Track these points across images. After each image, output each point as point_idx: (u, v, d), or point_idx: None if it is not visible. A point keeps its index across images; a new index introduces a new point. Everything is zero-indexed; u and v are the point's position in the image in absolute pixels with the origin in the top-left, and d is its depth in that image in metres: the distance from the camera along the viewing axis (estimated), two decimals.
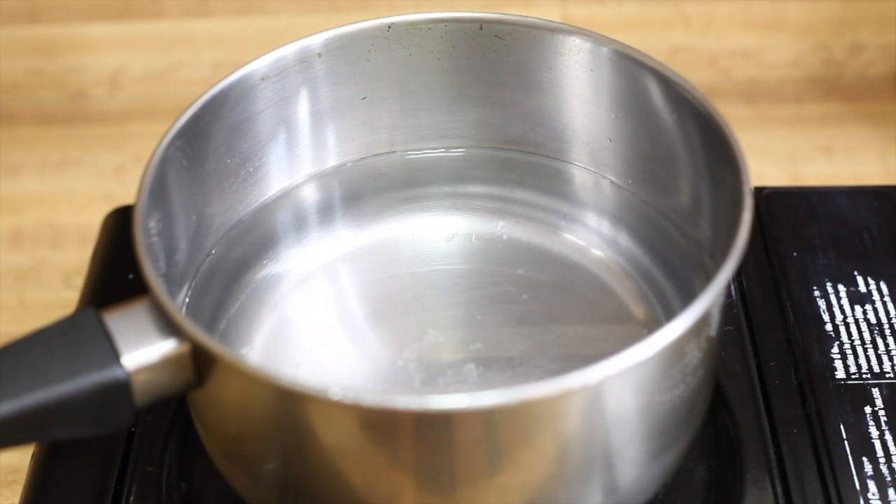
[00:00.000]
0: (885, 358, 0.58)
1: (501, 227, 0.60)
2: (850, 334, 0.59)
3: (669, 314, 0.55)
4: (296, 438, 0.46)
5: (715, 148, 0.52)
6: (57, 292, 0.72)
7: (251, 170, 0.57)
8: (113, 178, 0.78)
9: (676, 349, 0.46)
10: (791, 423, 0.55)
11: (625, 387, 0.45)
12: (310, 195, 0.60)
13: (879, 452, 0.54)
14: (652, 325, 0.56)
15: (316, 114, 0.58)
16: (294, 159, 0.59)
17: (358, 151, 0.60)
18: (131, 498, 0.54)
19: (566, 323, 0.56)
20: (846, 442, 0.54)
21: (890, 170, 0.77)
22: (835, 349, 0.58)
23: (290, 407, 0.45)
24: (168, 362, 0.46)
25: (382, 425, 0.45)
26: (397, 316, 0.57)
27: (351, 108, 0.59)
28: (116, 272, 0.63)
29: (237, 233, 0.57)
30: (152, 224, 0.49)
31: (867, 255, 0.62)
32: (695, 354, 0.47)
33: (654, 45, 0.82)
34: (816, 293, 0.61)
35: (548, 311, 0.57)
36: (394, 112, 0.59)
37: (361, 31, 0.57)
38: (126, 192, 0.75)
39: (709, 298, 0.46)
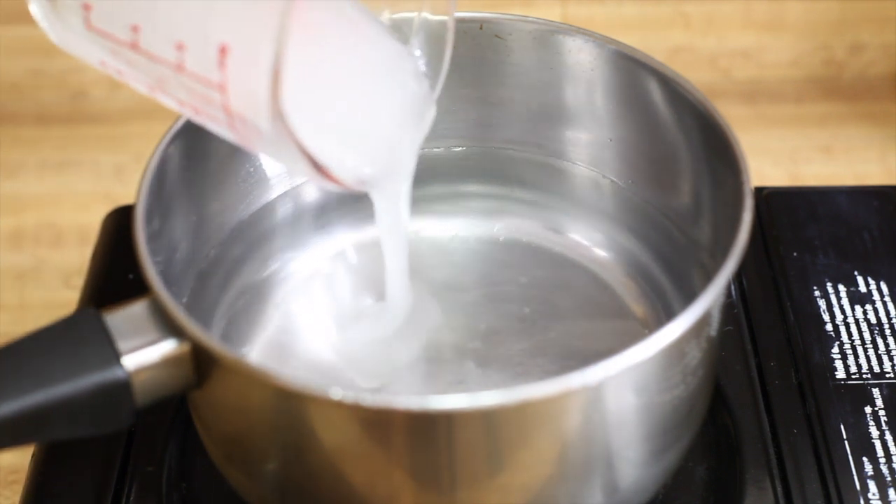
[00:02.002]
0: (885, 358, 0.58)
1: (501, 227, 0.60)
2: (850, 334, 0.59)
3: (670, 314, 0.55)
4: (296, 438, 0.46)
5: (715, 148, 0.52)
6: (57, 292, 0.72)
7: (251, 170, 0.57)
8: (113, 178, 0.78)
9: (676, 349, 0.46)
10: (791, 423, 0.55)
11: (625, 387, 0.45)
12: (310, 195, 0.59)
13: (880, 452, 0.54)
14: (652, 324, 0.56)
15: None
16: None
17: None
18: (131, 498, 0.54)
19: (566, 322, 0.56)
20: (846, 442, 0.54)
21: (890, 170, 0.77)
22: (835, 349, 0.58)
23: (290, 407, 0.45)
24: (168, 362, 0.46)
25: (382, 425, 0.45)
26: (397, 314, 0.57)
27: None
28: (116, 272, 0.63)
29: (237, 232, 0.57)
30: (152, 224, 0.49)
31: (867, 255, 0.62)
32: (695, 354, 0.47)
33: (654, 45, 0.82)
34: (816, 293, 0.61)
35: (548, 311, 0.57)
36: None
37: None
38: (126, 192, 0.75)
39: (709, 298, 0.46)
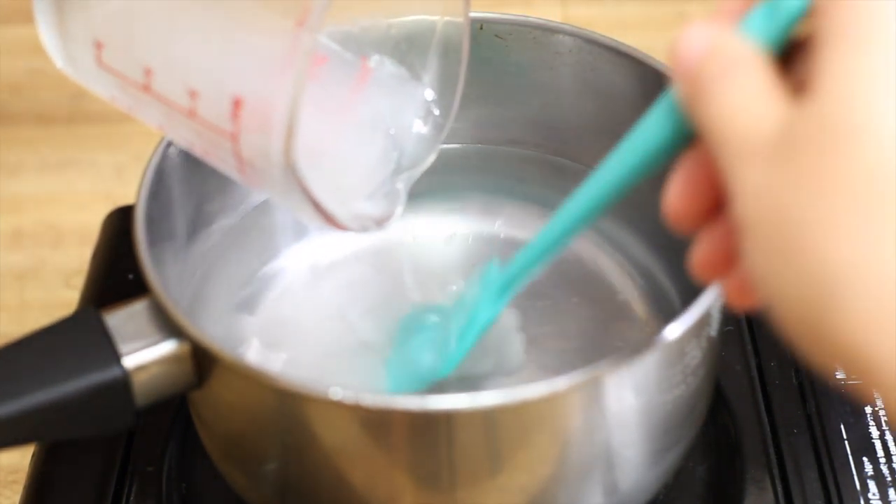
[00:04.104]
0: None
1: (501, 227, 0.60)
2: None
3: (670, 313, 0.55)
4: (296, 438, 0.46)
5: None
6: (57, 292, 0.72)
7: None
8: (113, 178, 0.78)
9: (677, 349, 0.46)
10: (791, 423, 0.55)
11: (625, 387, 0.45)
12: None
13: (880, 452, 0.54)
14: (652, 324, 0.56)
15: None
16: None
17: None
18: (131, 498, 0.54)
19: (567, 321, 0.56)
20: (846, 442, 0.54)
21: None
22: None
23: (290, 407, 0.45)
24: (168, 362, 0.46)
25: (382, 426, 0.45)
26: (397, 315, 0.57)
27: None
28: (116, 272, 0.63)
29: (237, 232, 0.57)
30: (152, 224, 0.49)
31: None
32: (695, 354, 0.47)
33: (654, 45, 0.81)
34: None
35: (548, 310, 0.57)
36: None
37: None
38: (126, 192, 0.75)
39: (709, 298, 0.46)
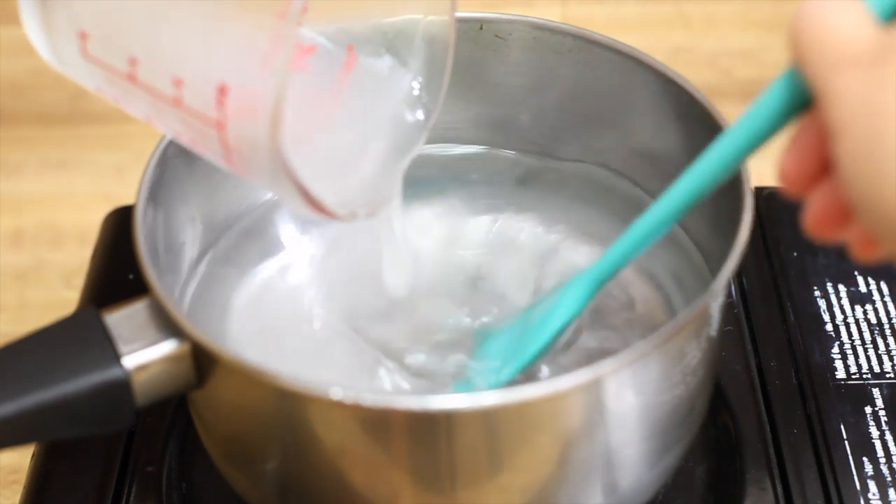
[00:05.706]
0: (885, 358, 0.58)
1: (502, 226, 0.60)
2: (850, 334, 0.59)
3: (670, 314, 0.55)
4: (296, 438, 0.46)
5: None
6: (57, 292, 0.72)
7: None
8: (113, 178, 0.78)
9: (677, 349, 0.46)
10: (791, 423, 0.55)
11: (625, 387, 0.45)
12: None
13: (880, 452, 0.54)
14: (652, 324, 0.56)
15: None
16: None
17: None
18: (131, 498, 0.54)
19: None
20: (846, 442, 0.54)
21: None
22: (835, 349, 0.58)
23: (290, 407, 0.45)
24: (168, 362, 0.46)
25: (382, 426, 0.45)
26: (399, 314, 0.57)
27: None
28: (116, 272, 0.63)
29: (237, 231, 0.57)
30: (152, 224, 0.49)
31: None
32: (695, 354, 0.47)
33: (654, 45, 0.82)
34: (816, 293, 0.61)
35: None
36: None
37: None
38: (126, 192, 0.75)
39: (709, 298, 0.46)
